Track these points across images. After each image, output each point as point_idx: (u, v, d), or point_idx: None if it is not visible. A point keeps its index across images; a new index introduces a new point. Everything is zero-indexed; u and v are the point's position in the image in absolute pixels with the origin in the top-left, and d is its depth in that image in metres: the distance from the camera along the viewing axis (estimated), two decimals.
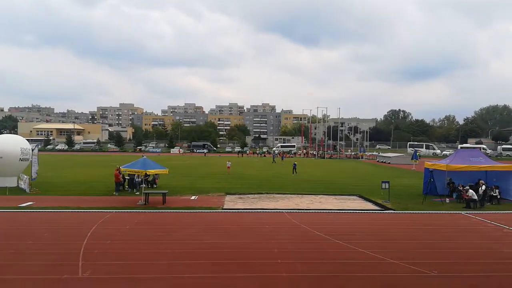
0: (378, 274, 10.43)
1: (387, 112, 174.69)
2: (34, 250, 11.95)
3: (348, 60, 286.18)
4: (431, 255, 12.18)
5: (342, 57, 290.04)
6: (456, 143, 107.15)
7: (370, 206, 21.22)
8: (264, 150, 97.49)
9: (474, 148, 60.90)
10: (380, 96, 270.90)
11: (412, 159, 49.42)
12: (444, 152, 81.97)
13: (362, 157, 73.01)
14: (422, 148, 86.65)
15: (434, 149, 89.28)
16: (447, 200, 21.71)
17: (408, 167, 48.19)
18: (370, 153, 77.77)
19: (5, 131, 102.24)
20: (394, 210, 19.73)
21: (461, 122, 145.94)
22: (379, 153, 71.03)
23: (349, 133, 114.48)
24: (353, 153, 77.25)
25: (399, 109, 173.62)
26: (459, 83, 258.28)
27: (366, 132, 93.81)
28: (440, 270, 10.67)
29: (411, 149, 79.04)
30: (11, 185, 24.26)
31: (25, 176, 24.41)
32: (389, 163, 57.57)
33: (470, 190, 20.57)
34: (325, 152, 77.14)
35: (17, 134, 58.77)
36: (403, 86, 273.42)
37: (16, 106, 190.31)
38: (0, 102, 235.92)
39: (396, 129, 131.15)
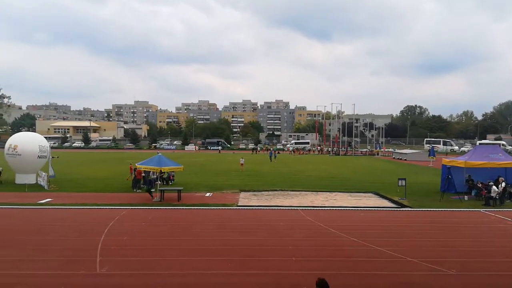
0: (395, 272, 10.30)
1: (404, 108, 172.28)
2: (52, 246, 12.17)
3: (362, 55, 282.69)
4: (450, 253, 11.98)
5: (356, 51, 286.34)
6: (475, 139, 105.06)
7: (386, 203, 20.97)
8: (278, 146, 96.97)
9: (493, 144, 59.55)
10: (395, 92, 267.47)
11: (429, 155, 48.66)
12: (462, 149, 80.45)
13: (377, 154, 72.21)
14: (440, 144, 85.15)
15: (451, 145, 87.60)
16: (466, 197, 21.29)
17: (425, 164, 47.45)
18: (388, 149, 76.71)
19: (24, 129, 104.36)
20: (411, 207, 19.45)
21: (480, 117, 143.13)
22: (395, 150, 70.02)
23: (364, 129, 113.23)
24: (368, 150, 76.35)
25: (415, 105, 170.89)
26: (477, 78, 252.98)
27: (382, 128, 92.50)
28: (459, 268, 10.47)
29: (428, 145, 77.82)
30: (30, 182, 24.79)
31: (44, 173, 24.88)
32: (405, 159, 56.75)
33: (493, 187, 20.11)
34: (340, 149, 76.49)
35: (35, 132, 59.85)
36: (419, 81, 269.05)
37: (34, 104, 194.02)
38: (19, 100, 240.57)
39: (413, 125, 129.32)
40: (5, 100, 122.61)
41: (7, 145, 25.66)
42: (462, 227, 15.88)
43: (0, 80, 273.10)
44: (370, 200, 21.72)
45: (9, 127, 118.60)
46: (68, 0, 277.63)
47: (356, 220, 16.82)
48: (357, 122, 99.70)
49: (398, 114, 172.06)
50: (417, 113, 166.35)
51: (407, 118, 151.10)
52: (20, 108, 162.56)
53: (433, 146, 57.65)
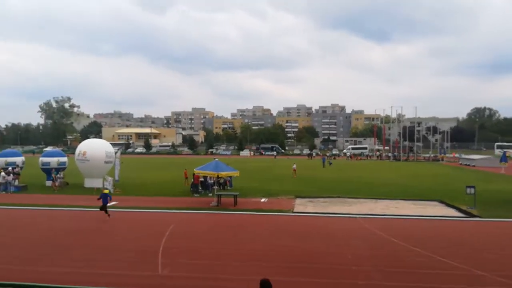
0: (463, 285, 9.57)
1: (471, 110, 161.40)
2: (117, 247, 12.83)
3: (424, 55, 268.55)
4: None
5: (417, 51, 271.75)
6: None
7: (452, 212, 19.68)
8: (334, 152, 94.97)
9: None
10: (461, 93, 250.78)
11: (500, 161, 45.11)
12: None
13: (442, 159, 68.29)
14: None
15: None
16: None
17: (496, 171, 43.99)
18: (457, 155, 72.09)
19: (91, 136, 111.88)
20: (480, 217, 18.08)
21: None
22: (461, 155, 65.69)
23: (427, 133, 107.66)
24: (432, 155, 72.30)
25: (484, 107, 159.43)
26: None
27: (447, 132, 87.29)
28: None
29: (499, 150, 72.16)
30: (97, 186, 26.44)
31: (110, 178, 26.39)
32: (473, 165, 53.02)
33: None
34: (401, 154, 73.30)
35: (101, 138, 63.92)
36: (488, 81, 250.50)
37: (100, 113, 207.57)
38: (87, 109, 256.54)
39: (482, 129, 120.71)
40: (75, 109, 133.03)
41: (77, 151, 27.66)
42: None
43: (71, 90, 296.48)
44: (435, 209, 20.51)
45: (79, 134, 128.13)
46: (131, 11, 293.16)
47: (419, 229, 15.94)
48: (419, 126, 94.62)
49: (465, 117, 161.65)
50: (486, 116, 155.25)
51: (475, 121, 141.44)
52: (88, 116, 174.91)
53: (505, 151, 53.18)
